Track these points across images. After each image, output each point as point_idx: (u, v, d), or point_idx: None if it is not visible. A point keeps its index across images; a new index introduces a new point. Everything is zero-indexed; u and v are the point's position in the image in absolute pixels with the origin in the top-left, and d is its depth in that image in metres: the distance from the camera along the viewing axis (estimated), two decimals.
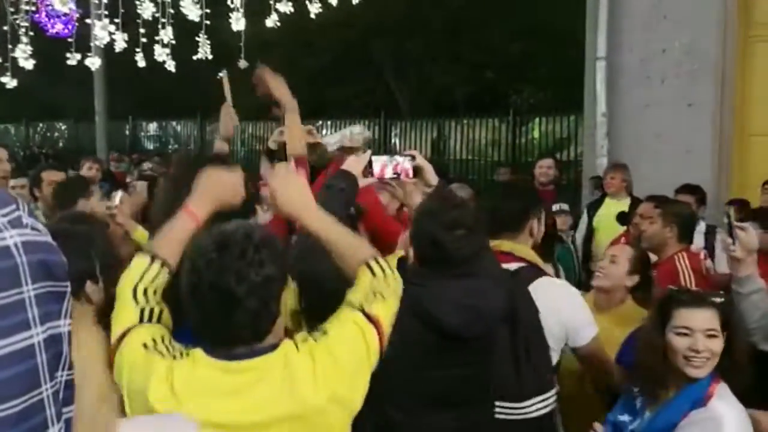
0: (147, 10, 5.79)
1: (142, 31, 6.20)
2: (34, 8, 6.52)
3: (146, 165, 10.61)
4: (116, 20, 6.14)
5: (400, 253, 2.08)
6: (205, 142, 16.11)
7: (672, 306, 2.01)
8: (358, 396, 1.53)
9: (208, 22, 5.58)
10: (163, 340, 1.51)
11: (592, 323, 2.37)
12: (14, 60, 6.35)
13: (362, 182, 2.14)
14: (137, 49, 6.40)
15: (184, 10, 5.34)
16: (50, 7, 6.58)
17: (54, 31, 7.18)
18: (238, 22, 5.25)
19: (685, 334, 1.95)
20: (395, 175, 2.26)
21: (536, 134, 12.37)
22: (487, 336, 2.03)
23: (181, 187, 1.82)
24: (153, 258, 1.63)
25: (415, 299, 1.90)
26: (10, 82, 6.76)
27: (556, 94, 14.15)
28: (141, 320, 1.55)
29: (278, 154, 3.36)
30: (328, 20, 6.27)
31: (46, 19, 7.09)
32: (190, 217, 1.71)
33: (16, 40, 6.36)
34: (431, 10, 13.87)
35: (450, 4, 13.76)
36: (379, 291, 1.61)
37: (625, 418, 2.04)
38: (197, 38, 5.86)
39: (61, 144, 19.93)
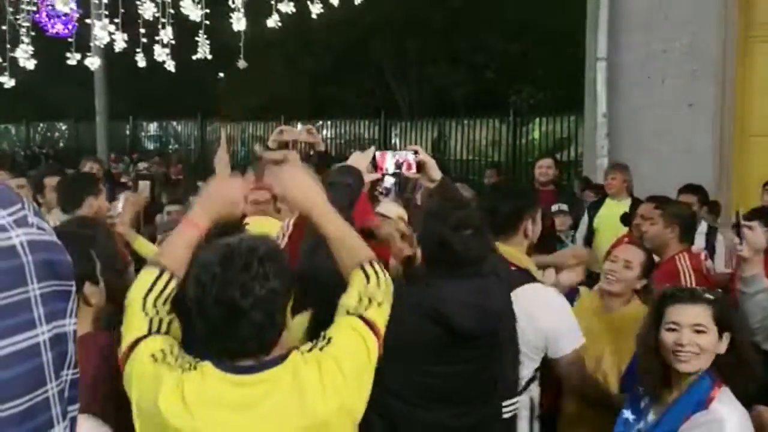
0: (148, 11, 5.79)
1: (142, 31, 6.21)
2: (34, 8, 6.53)
3: (142, 165, 10.65)
4: (116, 20, 6.15)
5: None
6: (206, 142, 16.13)
7: (666, 304, 2.02)
8: (362, 402, 1.54)
9: (207, 22, 5.58)
10: (171, 351, 1.51)
11: (574, 335, 2.30)
12: (12, 59, 6.36)
13: (367, 177, 2.15)
14: (137, 49, 6.41)
15: (184, 11, 5.35)
16: (50, 7, 6.58)
17: (54, 31, 7.19)
18: (239, 22, 5.26)
19: (673, 330, 1.95)
20: (398, 170, 2.27)
21: (536, 135, 12.37)
22: (493, 333, 2.04)
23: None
24: (162, 269, 1.63)
25: (423, 298, 1.90)
26: (8, 82, 6.78)
27: (557, 94, 14.16)
28: (150, 330, 1.55)
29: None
30: (328, 20, 6.28)
31: (46, 19, 7.10)
32: (193, 227, 1.71)
33: (14, 40, 6.37)
34: (431, 10, 13.89)
35: (450, 4, 13.77)
36: (372, 296, 1.62)
37: (629, 415, 2.05)
38: (197, 38, 5.86)
39: (61, 144, 19.96)
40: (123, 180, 7.82)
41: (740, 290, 2.40)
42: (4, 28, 6.50)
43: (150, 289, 1.60)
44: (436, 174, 2.32)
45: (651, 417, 2.01)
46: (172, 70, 6.43)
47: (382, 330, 1.60)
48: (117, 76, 13.68)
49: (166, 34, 6.01)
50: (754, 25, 6.12)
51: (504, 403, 2.13)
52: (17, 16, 6.31)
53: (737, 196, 5.94)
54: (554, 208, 4.93)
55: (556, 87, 14.07)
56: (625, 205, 4.97)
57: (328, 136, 14.14)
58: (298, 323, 1.83)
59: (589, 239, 5.18)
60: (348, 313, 1.59)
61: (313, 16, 5.60)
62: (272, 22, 5.44)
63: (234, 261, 1.42)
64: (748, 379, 1.94)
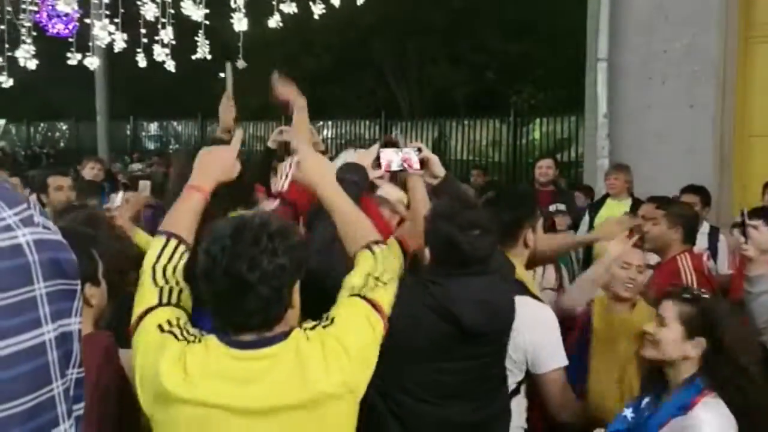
0: (149, 11, 5.79)
1: (142, 31, 6.21)
2: (35, 8, 6.53)
3: (136, 166, 10.64)
4: (116, 20, 6.15)
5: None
6: (206, 142, 16.09)
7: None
8: (365, 380, 1.55)
9: (207, 23, 5.58)
10: (178, 323, 1.53)
11: (558, 354, 2.25)
12: (11, 59, 6.36)
13: (371, 174, 2.17)
14: (137, 49, 6.41)
15: (184, 11, 5.35)
16: (51, 7, 6.58)
17: (54, 31, 7.19)
18: (240, 23, 5.25)
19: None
20: (402, 168, 2.28)
21: (537, 135, 12.37)
22: (502, 330, 2.05)
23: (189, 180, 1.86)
24: (169, 236, 1.66)
25: (432, 297, 1.92)
26: (6, 82, 6.78)
27: (557, 94, 14.18)
28: (160, 301, 1.57)
29: (278, 154, 3.37)
30: (328, 20, 6.27)
31: (47, 19, 7.10)
32: (196, 191, 1.75)
33: (13, 40, 6.37)
34: (432, 11, 13.90)
35: (451, 4, 13.77)
36: (379, 276, 1.64)
37: (628, 414, 2.05)
38: (197, 38, 5.86)
39: (62, 144, 19.96)
40: (119, 178, 7.82)
41: (746, 290, 2.41)
42: (2, 27, 6.50)
43: (158, 258, 1.63)
44: (440, 170, 2.33)
45: (645, 415, 2.02)
46: (172, 70, 6.43)
47: (388, 310, 1.62)
48: (117, 76, 13.69)
49: (167, 34, 6.01)
50: (755, 26, 6.11)
51: None
52: (19, 17, 6.32)
53: (738, 197, 5.94)
54: (552, 208, 4.95)
55: (557, 87, 14.08)
56: (625, 206, 4.98)
57: (328, 136, 14.14)
58: None
59: None
60: (353, 292, 1.61)
61: (315, 16, 5.60)
62: (274, 22, 5.44)
63: (244, 234, 1.43)
64: (746, 389, 1.90)
